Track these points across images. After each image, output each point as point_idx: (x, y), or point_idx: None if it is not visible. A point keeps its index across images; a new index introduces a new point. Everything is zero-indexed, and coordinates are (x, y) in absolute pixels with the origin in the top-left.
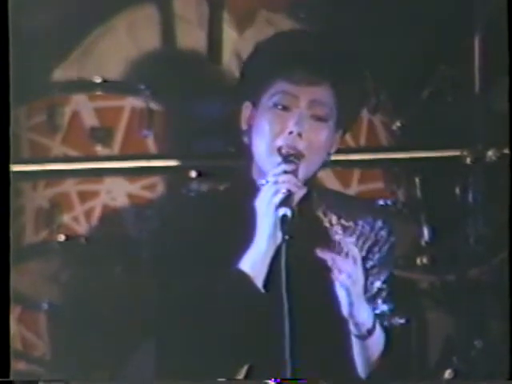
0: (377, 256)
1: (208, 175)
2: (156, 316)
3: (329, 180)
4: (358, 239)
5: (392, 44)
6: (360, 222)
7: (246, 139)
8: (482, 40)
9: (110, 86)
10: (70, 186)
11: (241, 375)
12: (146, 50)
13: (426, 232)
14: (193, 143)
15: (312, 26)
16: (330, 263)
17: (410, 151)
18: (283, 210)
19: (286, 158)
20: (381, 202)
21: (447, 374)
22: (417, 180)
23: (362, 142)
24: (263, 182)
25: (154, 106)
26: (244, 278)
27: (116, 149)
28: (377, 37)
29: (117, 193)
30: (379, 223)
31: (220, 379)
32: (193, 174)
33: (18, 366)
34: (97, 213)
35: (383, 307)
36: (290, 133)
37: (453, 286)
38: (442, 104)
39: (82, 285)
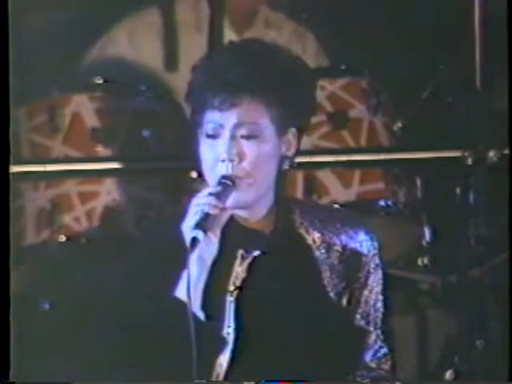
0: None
1: None
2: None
3: (329, 181)
4: (340, 256)
5: (392, 44)
6: (343, 238)
7: None
8: (483, 40)
9: (110, 87)
10: (71, 187)
11: None
12: (148, 53)
13: (426, 232)
14: (193, 145)
15: (311, 26)
16: None
17: (410, 152)
18: (194, 233)
19: (219, 181)
20: (382, 203)
21: (448, 374)
22: (418, 181)
23: (363, 142)
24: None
25: (155, 107)
26: (180, 307)
27: (116, 150)
28: (377, 37)
29: (117, 193)
30: (362, 235)
31: None
32: (193, 174)
33: (18, 367)
34: (97, 213)
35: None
36: (223, 161)
37: (454, 286)
38: (443, 105)
39: (82, 285)
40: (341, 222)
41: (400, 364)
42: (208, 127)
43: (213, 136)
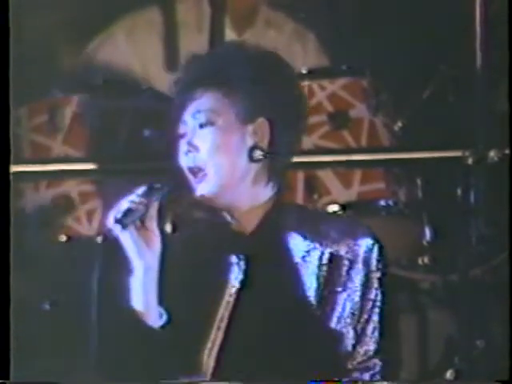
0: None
1: None
2: None
3: (330, 181)
4: (321, 260)
5: (392, 44)
6: (324, 242)
7: None
8: (483, 40)
9: (110, 87)
10: (72, 187)
11: None
12: (148, 52)
13: (427, 232)
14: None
15: (311, 25)
16: None
17: (411, 152)
18: (112, 226)
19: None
20: (382, 203)
21: (449, 374)
22: (418, 180)
23: (364, 142)
24: None
25: (156, 106)
26: (134, 317)
27: (117, 149)
28: (377, 37)
29: (118, 194)
30: (352, 242)
31: None
32: None
33: (18, 367)
34: (98, 213)
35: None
36: (185, 153)
37: (454, 285)
38: (443, 104)
39: (83, 285)
40: (329, 227)
41: (400, 364)
42: (180, 128)
43: (182, 135)
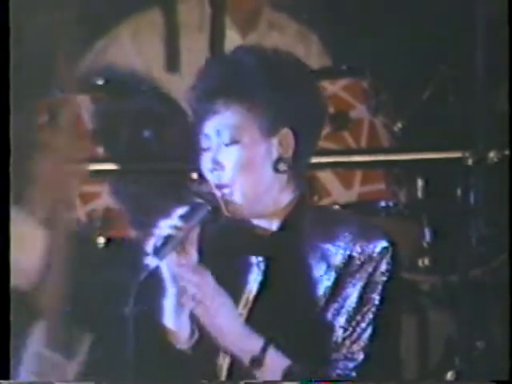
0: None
1: None
2: None
3: (330, 182)
4: (333, 261)
5: (393, 45)
6: (339, 243)
7: None
8: (483, 41)
9: (111, 87)
10: (72, 188)
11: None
12: (150, 53)
13: (427, 233)
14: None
15: (314, 27)
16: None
17: (411, 153)
18: (149, 260)
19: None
20: (382, 204)
21: (449, 375)
22: (418, 181)
23: (364, 143)
24: None
25: (156, 107)
26: (165, 335)
27: (117, 150)
28: (377, 37)
29: (118, 194)
30: (370, 245)
31: None
32: (194, 175)
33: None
34: (99, 214)
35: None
36: (211, 171)
37: (454, 286)
38: (444, 105)
39: (84, 286)
40: (342, 226)
41: (400, 364)
42: (202, 140)
43: (205, 149)
